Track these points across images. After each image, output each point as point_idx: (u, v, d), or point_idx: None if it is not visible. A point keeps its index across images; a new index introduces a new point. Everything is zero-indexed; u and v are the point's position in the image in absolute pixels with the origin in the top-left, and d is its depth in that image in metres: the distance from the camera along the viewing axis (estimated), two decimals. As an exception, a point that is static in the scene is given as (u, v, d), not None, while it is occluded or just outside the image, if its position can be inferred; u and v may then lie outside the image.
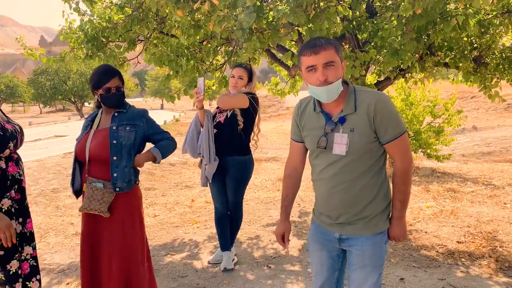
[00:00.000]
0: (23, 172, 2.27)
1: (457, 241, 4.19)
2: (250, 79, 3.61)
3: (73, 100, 45.47)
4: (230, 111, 3.56)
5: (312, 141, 1.93)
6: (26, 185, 2.45)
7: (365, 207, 1.89)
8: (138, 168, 2.58)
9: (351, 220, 1.91)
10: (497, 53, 4.55)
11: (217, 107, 3.69)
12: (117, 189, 2.46)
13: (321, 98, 1.84)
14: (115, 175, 2.45)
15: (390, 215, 1.97)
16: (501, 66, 4.47)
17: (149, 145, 2.66)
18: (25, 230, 2.25)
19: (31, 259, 2.27)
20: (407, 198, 1.95)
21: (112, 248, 2.49)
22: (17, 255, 2.17)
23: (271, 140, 18.21)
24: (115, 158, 2.45)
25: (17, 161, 2.23)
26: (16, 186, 2.19)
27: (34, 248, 2.30)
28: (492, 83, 4.49)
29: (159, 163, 2.66)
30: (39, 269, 2.34)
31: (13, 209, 2.18)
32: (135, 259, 2.55)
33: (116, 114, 2.56)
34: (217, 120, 3.60)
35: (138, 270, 2.56)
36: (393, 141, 1.83)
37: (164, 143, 2.66)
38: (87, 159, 2.48)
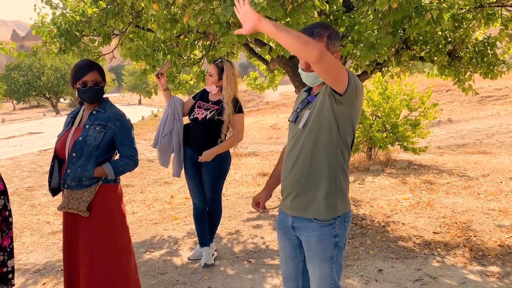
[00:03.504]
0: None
1: (433, 232, 4.28)
2: (220, 77, 3.50)
3: (48, 96, 44.43)
4: (210, 112, 3.49)
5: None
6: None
7: (313, 186, 1.90)
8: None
9: (301, 199, 1.93)
10: (470, 47, 4.65)
11: (197, 100, 3.62)
12: (66, 186, 2.40)
13: (304, 80, 1.98)
14: (68, 171, 2.40)
15: (338, 205, 1.91)
16: (474, 60, 4.57)
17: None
18: None
19: None
20: (291, 36, 1.61)
21: (92, 248, 2.44)
22: None
23: (251, 135, 18.23)
24: (74, 154, 2.40)
25: None
26: None
27: None
28: (466, 76, 4.59)
29: (109, 180, 2.50)
30: None
31: None
32: (117, 259, 2.49)
33: (94, 112, 2.51)
34: (195, 116, 3.54)
35: (121, 269, 2.50)
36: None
37: (122, 162, 2.50)
38: (67, 156, 2.43)
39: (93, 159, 2.41)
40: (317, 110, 1.88)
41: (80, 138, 2.42)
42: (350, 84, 1.78)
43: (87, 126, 2.46)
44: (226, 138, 3.57)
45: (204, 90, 3.69)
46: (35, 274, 3.62)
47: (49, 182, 2.52)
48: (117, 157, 2.58)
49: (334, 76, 1.74)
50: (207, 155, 3.45)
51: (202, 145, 3.50)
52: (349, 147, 1.96)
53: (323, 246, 1.91)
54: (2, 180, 2.27)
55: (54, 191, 2.54)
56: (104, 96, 2.60)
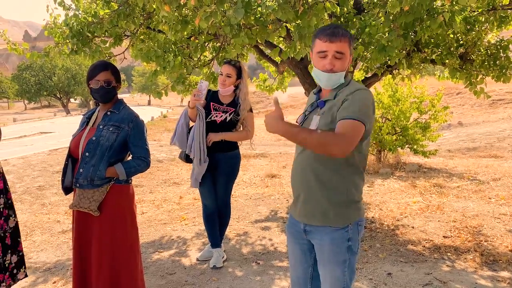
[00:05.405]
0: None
1: (443, 236, 4.24)
2: (238, 77, 3.57)
3: (59, 96, 44.91)
4: (230, 114, 3.54)
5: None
6: (11, 183, 2.42)
7: (322, 194, 1.87)
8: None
9: (309, 205, 1.90)
10: (482, 50, 4.60)
11: (210, 102, 3.63)
12: (77, 185, 2.43)
13: (320, 83, 1.91)
14: (81, 170, 2.43)
15: (354, 214, 1.91)
16: (486, 63, 4.52)
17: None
18: None
19: None
20: (303, 138, 1.73)
21: (102, 247, 2.46)
22: None
23: (260, 137, 18.23)
24: (87, 154, 2.43)
25: None
26: None
27: None
28: (478, 79, 4.54)
29: (121, 180, 2.52)
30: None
31: None
32: (126, 259, 2.51)
33: (108, 113, 2.54)
34: (213, 118, 3.55)
35: (129, 270, 2.52)
36: (342, 120, 1.75)
37: (134, 163, 2.52)
38: (80, 156, 2.46)
39: (105, 159, 2.44)
40: (328, 123, 1.82)
41: (94, 138, 2.45)
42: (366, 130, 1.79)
43: (101, 127, 2.49)
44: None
45: (214, 91, 3.71)
46: (45, 273, 3.66)
47: (62, 180, 2.56)
48: (129, 158, 2.60)
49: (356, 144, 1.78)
50: (216, 135, 3.51)
51: (219, 145, 3.54)
52: (365, 156, 1.92)
53: (335, 250, 1.88)
54: (3, 178, 2.30)
55: (66, 190, 2.58)
56: (119, 97, 2.63)
